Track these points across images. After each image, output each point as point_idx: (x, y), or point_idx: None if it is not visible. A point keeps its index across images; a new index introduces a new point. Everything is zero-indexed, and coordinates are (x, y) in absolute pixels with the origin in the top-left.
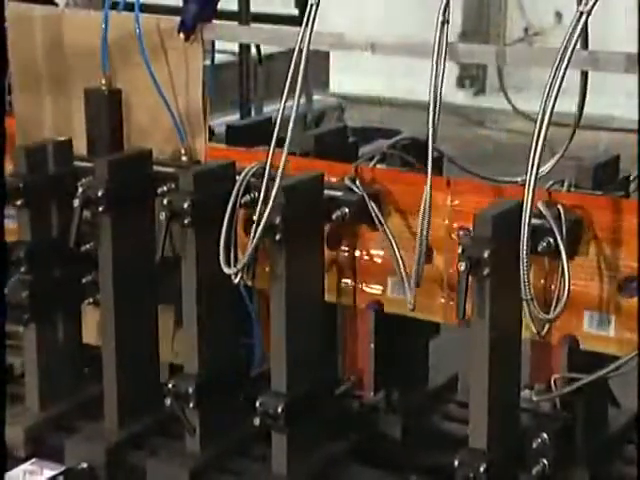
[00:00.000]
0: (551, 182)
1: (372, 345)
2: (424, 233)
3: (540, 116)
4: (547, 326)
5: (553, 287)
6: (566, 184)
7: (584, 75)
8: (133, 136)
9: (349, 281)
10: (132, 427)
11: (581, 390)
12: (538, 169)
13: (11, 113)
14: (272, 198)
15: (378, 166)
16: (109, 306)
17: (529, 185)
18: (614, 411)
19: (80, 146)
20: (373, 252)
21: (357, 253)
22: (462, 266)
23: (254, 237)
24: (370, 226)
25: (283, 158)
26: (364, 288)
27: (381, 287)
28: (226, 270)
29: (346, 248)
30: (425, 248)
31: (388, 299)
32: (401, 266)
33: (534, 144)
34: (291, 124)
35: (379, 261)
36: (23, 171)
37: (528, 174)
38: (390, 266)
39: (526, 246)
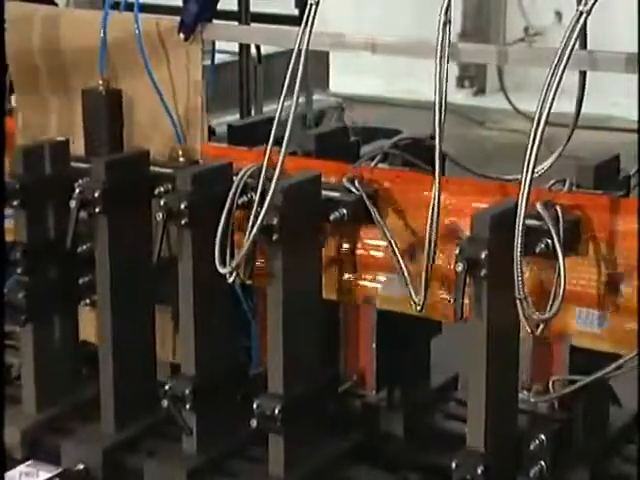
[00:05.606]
0: (552, 181)
1: (374, 344)
2: (433, 236)
3: (537, 115)
4: (542, 325)
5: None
6: (567, 183)
7: (582, 75)
8: (132, 136)
9: (350, 280)
10: (129, 429)
11: (581, 390)
12: (534, 168)
13: (11, 113)
14: (268, 198)
15: (380, 165)
16: (106, 307)
17: (524, 184)
18: (615, 410)
19: (81, 146)
20: (373, 251)
21: (358, 252)
22: (459, 267)
23: (249, 236)
24: (370, 225)
25: (280, 159)
26: (365, 287)
27: (381, 286)
28: (220, 269)
29: (347, 247)
30: (434, 252)
31: (389, 298)
32: (402, 266)
33: (530, 143)
34: (289, 125)
35: (380, 260)
36: (20, 171)
37: (524, 173)
38: (391, 264)
39: (520, 244)
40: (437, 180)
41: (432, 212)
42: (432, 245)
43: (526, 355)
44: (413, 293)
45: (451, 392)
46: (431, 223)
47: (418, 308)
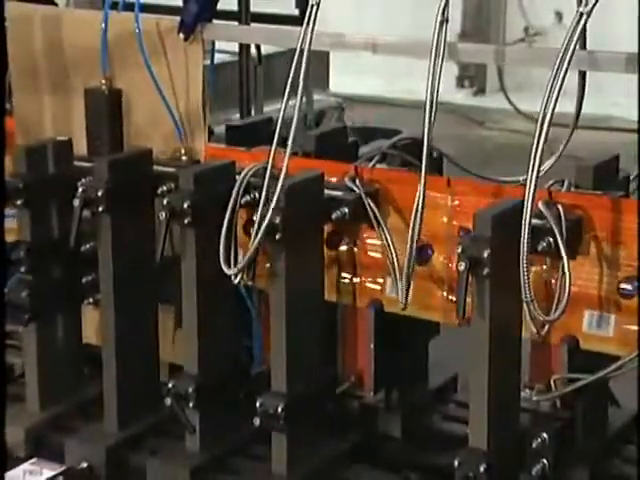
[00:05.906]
0: (551, 182)
1: (372, 345)
2: (415, 232)
3: (541, 117)
4: (547, 326)
5: (553, 287)
6: (566, 184)
7: (582, 75)
8: (133, 136)
9: (349, 280)
10: (132, 427)
11: (581, 390)
12: (539, 169)
13: (11, 113)
14: (275, 199)
15: (378, 166)
16: (109, 306)
17: (530, 185)
18: (614, 411)
19: (80, 146)
20: (373, 251)
21: (357, 252)
22: (462, 266)
23: (255, 238)
24: (370, 225)
25: (286, 159)
26: (364, 287)
27: (381, 287)
28: (226, 271)
29: (346, 247)
30: (415, 249)
31: (388, 298)
32: (396, 265)
33: (535, 144)
34: (294, 125)
35: (379, 261)
36: (23, 171)
37: (529, 174)
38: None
39: (526, 248)
40: (423, 177)
41: (416, 210)
42: (414, 242)
43: (527, 354)
44: (400, 292)
45: (449, 393)
46: (414, 221)
47: (401, 306)
